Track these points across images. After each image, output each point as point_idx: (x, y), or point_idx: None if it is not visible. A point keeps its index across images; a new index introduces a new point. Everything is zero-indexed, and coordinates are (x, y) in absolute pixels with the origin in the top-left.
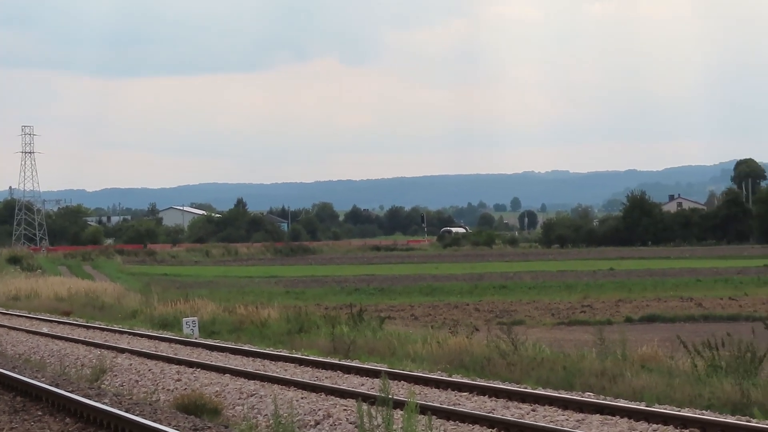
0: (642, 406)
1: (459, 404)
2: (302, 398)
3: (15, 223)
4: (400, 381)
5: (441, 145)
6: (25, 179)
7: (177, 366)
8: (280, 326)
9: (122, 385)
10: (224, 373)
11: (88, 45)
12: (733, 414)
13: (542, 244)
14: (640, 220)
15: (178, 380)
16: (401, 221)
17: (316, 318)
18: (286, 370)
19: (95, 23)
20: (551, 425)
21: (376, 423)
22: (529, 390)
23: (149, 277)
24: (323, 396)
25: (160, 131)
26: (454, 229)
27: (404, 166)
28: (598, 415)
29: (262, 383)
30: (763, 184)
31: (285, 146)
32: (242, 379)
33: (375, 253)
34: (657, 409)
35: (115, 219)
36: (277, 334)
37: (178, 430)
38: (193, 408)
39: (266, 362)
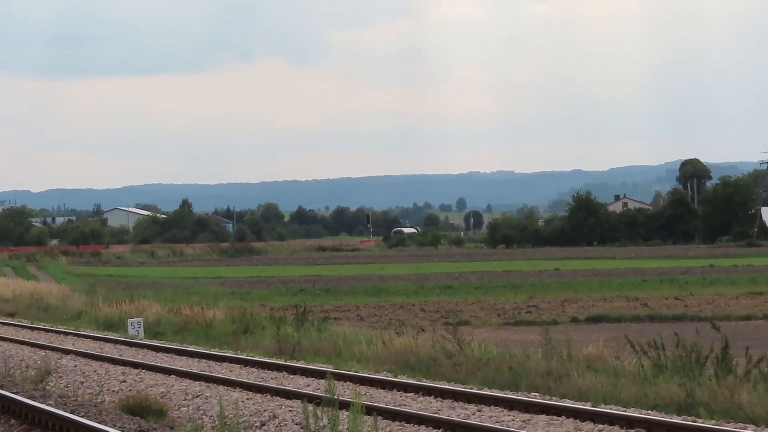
0: (588, 407)
1: (405, 405)
2: (248, 399)
3: None
4: (345, 382)
5: (386, 145)
6: None
7: (122, 367)
8: (225, 327)
9: (67, 387)
10: (169, 374)
11: (29, 45)
12: (678, 414)
13: (488, 245)
14: (586, 220)
15: (123, 381)
16: (347, 222)
17: (261, 319)
18: (231, 371)
19: (36, 23)
20: (497, 426)
21: (321, 424)
22: (474, 390)
23: (94, 278)
24: (269, 397)
25: (105, 132)
26: (404, 230)
27: (350, 166)
28: (543, 415)
29: (208, 384)
30: (708, 184)
31: (230, 147)
32: (187, 380)
33: (320, 254)
34: (603, 409)
35: (60, 220)
36: (222, 335)
37: (123, 431)
38: (139, 409)
39: (211, 363)
